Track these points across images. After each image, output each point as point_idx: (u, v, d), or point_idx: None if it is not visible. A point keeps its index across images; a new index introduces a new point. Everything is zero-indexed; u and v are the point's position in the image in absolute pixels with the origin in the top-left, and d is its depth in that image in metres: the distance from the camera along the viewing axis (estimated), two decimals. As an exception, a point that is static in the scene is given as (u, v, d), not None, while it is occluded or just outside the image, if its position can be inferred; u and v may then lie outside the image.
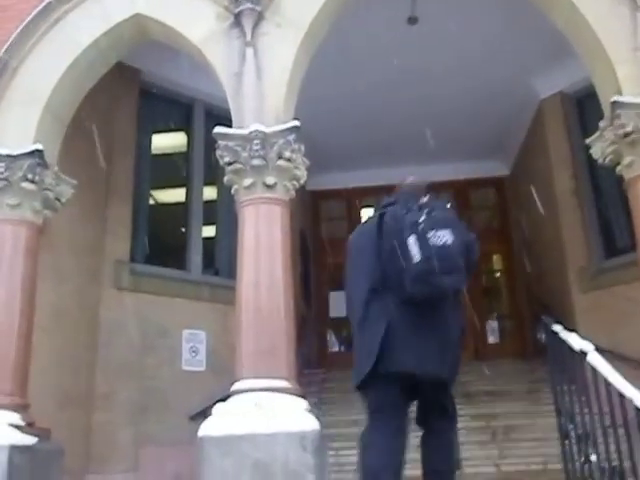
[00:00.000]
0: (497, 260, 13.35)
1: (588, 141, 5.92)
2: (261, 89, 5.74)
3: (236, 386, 5.08)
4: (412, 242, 2.84)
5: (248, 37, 5.86)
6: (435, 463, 3.20)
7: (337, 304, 12.70)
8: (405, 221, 2.96)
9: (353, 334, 3.25)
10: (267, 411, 4.81)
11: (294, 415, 4.86)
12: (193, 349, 8.00)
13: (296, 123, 5.59)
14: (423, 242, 2.87)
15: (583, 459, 2.76)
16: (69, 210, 6.63)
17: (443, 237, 2.91)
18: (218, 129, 5.61)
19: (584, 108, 9.01)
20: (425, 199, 3.37)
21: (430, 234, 2.89)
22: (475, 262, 3.18)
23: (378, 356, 2.89)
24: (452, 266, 2.89)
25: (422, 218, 2.98)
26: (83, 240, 7.44)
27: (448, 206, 3.42)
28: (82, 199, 7.02)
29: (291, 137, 5.52)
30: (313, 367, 10.60)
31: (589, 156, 6.15)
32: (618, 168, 5.60)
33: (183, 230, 8.73)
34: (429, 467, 3.20)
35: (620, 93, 5.51)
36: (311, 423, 4.85)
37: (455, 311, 3.04)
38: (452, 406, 3.25)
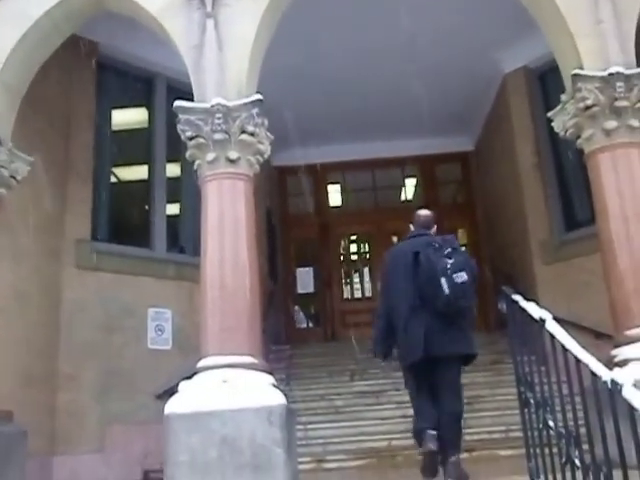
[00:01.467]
0: (462, 234, 13.49)
1: (550, 114, 5.97)
2: (222, 62, 5.64)
3: (202, 363, 5.06)
4: (443, 282, 4.50)
5: (209, 8, 5.74)
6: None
7: (304, 280, 12.74)
8: (438, 267, 4.55)
9: (397, 328, 4.83)
10: (233, 387, 4.81)
11: (260, 390, 4.87)
12: (159, 327, 7.94)
13: (259, 96, 5.52)
14: (450, 281, 4.51)
15: (541, 426, 2.82)
16: (26, 188, 6.47)
17: (462, 277, 4.53)
18: (179, 103, 5.51)
19: (547, 82, 9.10)
20: (434, 230, 5.11)
21: (454, 276, 4.51)
22: (476, 276, 4.70)
23: (420, 346, 4.62)
24: (466, 295, 4.59)
25: (449, 265, 4.54)
26: (42, 219, 7.27)
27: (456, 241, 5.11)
28: (39, 176, 6.86)
29: (254, 111, 5.46)
30: (280, 343, 10.62)
31: (551, 130, 6.21)
32: (578, 141, 5.67)
33: (146, 208, 8.61)
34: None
35: (581, 67, 5.56)
36: (278, 398, 4.87)
37: (465, 317, 4.78)
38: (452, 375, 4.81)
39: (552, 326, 2.57)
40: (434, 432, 4.52)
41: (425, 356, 4.60)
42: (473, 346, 4.83)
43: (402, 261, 4.87)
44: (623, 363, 4.80)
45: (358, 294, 13.29)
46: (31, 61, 6.18)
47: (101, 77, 8.33)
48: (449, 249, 4.69)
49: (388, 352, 5.04)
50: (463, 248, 4.91)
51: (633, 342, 4.97)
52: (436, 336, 4.61)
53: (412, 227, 5.18)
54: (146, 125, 8.87)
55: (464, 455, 6.62)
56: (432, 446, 4.45)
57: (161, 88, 8.81)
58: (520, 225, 9.57)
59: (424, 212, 5.25)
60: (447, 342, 4.64)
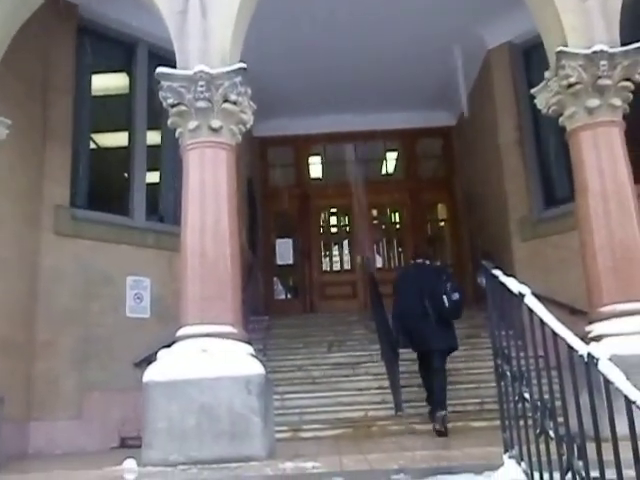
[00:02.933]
0: (442, 209, 13.57)
1: (533, 91, 5.99)
2: (206, 28, 5.56)
3: (181, 332, 5.07)
4: (445, 299, 6.65)
5: (193, -27, 5.63)
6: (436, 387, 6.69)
7: (283, 252, 12.74)
8: (442, 289, 6.68)
9: (409, 327, 6.92)
10: (213, 356, 4.83)
11: (239, 360, 4.90)
12: (137, 296, 7.92)
13: (242, 65, 5.46)
14: (449, 298, 6.66)
15: (517, 398, 2.88)
16: (4, 153, 6.36)
17: (456, 296, 6.70)
18: (161, 69, 5.43)
19: (531, 59, 9.10)
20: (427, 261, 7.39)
21: (452, 295, 6.67)
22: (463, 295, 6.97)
23: (428, 342, 6.73)
24: (459, 308, 6.79)
25: (448, 288, 6.70)
26: (20, 184, 7.17)
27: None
28: (18, 141, 6.75)
29: (237, 79, 5.39)
30: (259, 314, 10.66)
31: (533, 107, 6.25)
32: (561, 119, 5.70)
33: (126, 175, 8.52)
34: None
35: (565, 44, 5.56)
36: (256, 367, 4.90)
37: (453, 323, 6.89)
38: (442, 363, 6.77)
39: (531, 301, 2.61)
40: (443, 413, 6.28)
41: (431, 348, 6.72)
42: (457, 342, 6.92)
43: (411, 282, 7.10)
44: (597, 339, 4.89)
45: (337, 266, 13.33)
46: (9, 24, 6.05)
47: (81, 41, 8.17)
48: (445, 276, 6.98)
49: (405, 343, 7.12)
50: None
51: (607, 318, 5.07)
52: (437, 335, 6.67)
53: (414, 255, 8.04)
54: (127, 91, 8.74)
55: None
56: (438, 427, 6.18)
57: (142, 54, 8.66)
58: (500, 201, 9.65)
59: (423, 248, 8.65)
60: (444, 339, 6.72)
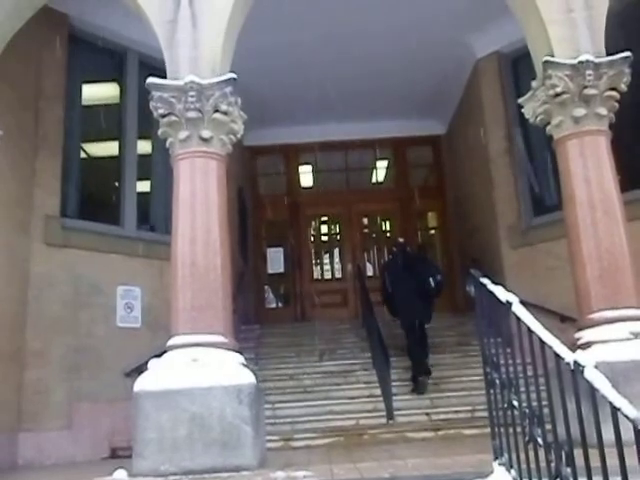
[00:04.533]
0: (432, 217, 13.63)
1: (520, 100, 6.05)
2: (197, 38, 5.59)
3: (172, 341, 5.07)
4: (431, 281, 8.34)
5: (183, -17, 5.66)
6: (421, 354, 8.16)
7: (274, 261, 12.75)
8: (428, 272, 8.46)
9: (397, 305, 8.66)
10: (204, 366, 4.83)
11: (230, 369, 4.91)
12: (128, 305, 7.91)
13: (233, 75, 5.49)
14: (435, 280, 8.36)
15: (506, 406, 2.90)
16: (-5, 162, 6.36)
17: (439, 278, 8.45)
18: (152, 79, 5.45)
19: (519, 68, 9.18)
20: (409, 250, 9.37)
21: (436, 277, 8.40)
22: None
23: (412, 315, 8.34)
24: (441, 288, 8.52)
25: (432, 271, 8.52)
26: (10, 193, 7.14)
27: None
28: (9, 150, 6.75)
29: (228, 89, 5.42)
30: (250, 323, 10.66)
31: (522, 116, 6.29)
32: (548, 128, 5.76)
33: (116, 184, 8.51)
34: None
35: (552, 54, 5.63)
36: (247, 377, 4.91)
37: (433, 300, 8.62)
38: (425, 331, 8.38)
39: (518, 309, 2.63)
40: (423, 378, 7.81)
41: (415, 320, 8.32)
42: (431, 317, 8.55)
43: (398, 268, 8.83)
44: (586, 345, 4.94)
45: (328, 275, 13.36)
46: (1, 33, 6.04)
47: (72, 51, 8.16)
48: (428, 261, 9.17)
49: (394, 315, 8.83)
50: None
51: (595, 325, 5.11)
52: (419, 310, 8.35)
53: (395, 248, 9.69)
54: (117, 101, 8.73)
55: (430, 434, 6.86)
56: (422, 391, 7.73)
57: (133, 63, 8.67)
58: (489, 209, 9.71)
59: (402, 240, 9.71)
60: (426, 313, 8.42)
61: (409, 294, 8.31)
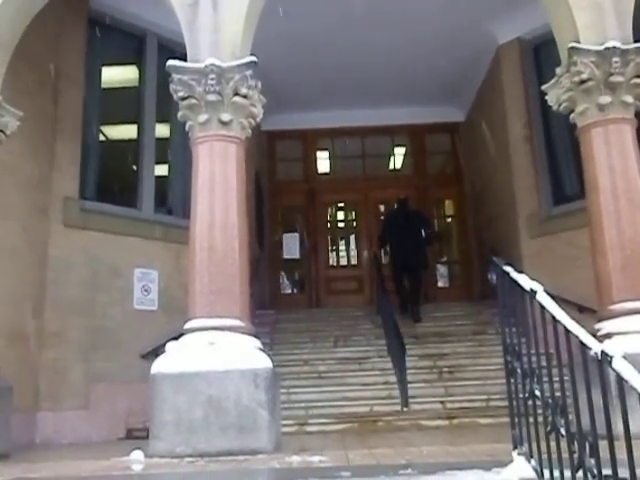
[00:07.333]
0: (449, 205, 13.53)
1: (544, 87, 5.95)
2: (217, 21, 5.55)
3: (189, 324, 5.08)
4: (422, 231, 10.13)
5: (204, -34, 5.61)
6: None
7: (290, 246, 12.73)
8: (422, 224, 10.29)
9: (392, 250, 10.35)
10: (220, 349, 4.84)
11: (247, 353, 4.91)
12: (145, 288, 7.94)
13: (253, 58, 5.44)
14: (426, 232, 10.24)
15: (527, 395, 2.87)
16: (14, 144, 6.37)
17: (430, 231, 10.53)
18: (172, 62, 5.42)
19: (541, 55, 9.05)
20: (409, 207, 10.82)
21: (426, 229, 10.31)
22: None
23: (404, 255, 10.07)
24: (431, 239, 10.55)
25: (425, 223, 10.45)
26: (30, 176, 7.19)
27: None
28: (28, 133, 6.76)
29: (248, 73, 5.38)
30: (265, 308, 10.68)
31: (543, 103, 6.22)
32: (572, 116, 5.66)
33: (135, 168, 8.52)
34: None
35: (578, 40, 5.53)
36: (263, 361, 4.91)
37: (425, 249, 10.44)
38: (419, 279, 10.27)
39: (543, 298, 2.59)
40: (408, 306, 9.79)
41: (406, 265, 10.05)
42: (424, 264, 10.33)
43: (397, 219, 10.40)
44: (606, 337, 4.87)
45: (344, 261, 13.33)
46: (21, 15, 6.04)
47: (92, 33, 8.17)
48: (422, 216, 10.63)
49: (386, 252, 10.62)
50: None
51: (616, 316, 5.05)
52: (411, 256, 9.93)
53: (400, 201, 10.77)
54: (136, 84, 8.74)
55: (445, 422, 6.84)
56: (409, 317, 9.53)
57: (152, 46, 8.66)
58: (508, 198, 9.62)
59: (403, 196, 10.76)
60: (419, 260, 10.07)
61: (403, 240, 9.93)
